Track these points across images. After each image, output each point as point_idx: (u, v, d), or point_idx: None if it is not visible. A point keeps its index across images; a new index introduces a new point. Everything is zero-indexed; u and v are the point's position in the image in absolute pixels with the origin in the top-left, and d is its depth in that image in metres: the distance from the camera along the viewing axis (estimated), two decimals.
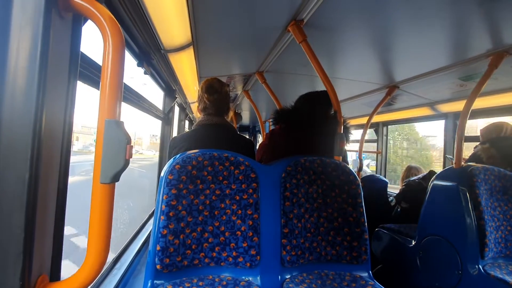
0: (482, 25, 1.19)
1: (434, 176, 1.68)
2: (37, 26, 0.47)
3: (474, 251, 1.39)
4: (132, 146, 0.53)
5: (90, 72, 0.81)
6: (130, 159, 0.52)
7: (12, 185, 0.47)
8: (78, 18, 0.57)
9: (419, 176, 2.31)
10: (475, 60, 1.51)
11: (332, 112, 1.40)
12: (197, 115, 1.60)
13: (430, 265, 1.61)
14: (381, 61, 1.75)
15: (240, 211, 1.11)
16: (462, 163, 1.58)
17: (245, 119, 6.00)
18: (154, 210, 1.08)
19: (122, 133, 0.51)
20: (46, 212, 0.54)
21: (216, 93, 1.37)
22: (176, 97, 2.26)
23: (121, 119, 0.53)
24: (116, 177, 0.51)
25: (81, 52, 0.61)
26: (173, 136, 1.41)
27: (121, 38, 0.51)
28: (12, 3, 0.47)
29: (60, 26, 0.52)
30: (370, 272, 1.18)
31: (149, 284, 0.99)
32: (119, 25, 0.52)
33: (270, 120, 1.50)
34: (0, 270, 0.47)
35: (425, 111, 2.68)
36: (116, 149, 0.51)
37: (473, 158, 1.87)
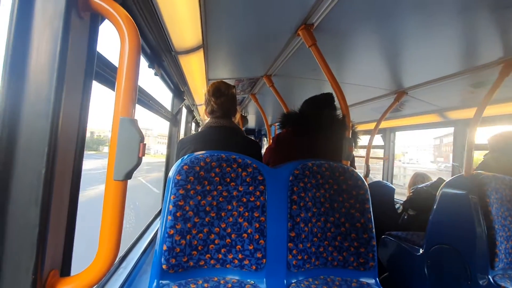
0: (493, 32, 1.17)
1: (443, 184, 1.66)
2: (57, 26, 0.48)
3: (484, 261, 1.36)
4: (145, 144, 0.54)
5: (105, 72, 0.83)
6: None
7: (28, 181, 0.48)
8: (96, 18, 0.59)
9: (427, 183, 2.28)
10: (486, 67, 1.49)
11: (340, 116, 1.40)
12: (205, 118, 1.60)
13: (438, 275, 1.57)
14: (390, 66, 1.74)
15: (247, 213, 1.11)
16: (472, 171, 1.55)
17: (251, 122, 6.01)
18: (160, 209, 1.08)
19: (136, 131, 0.51)
20: (60, 208, 0.54)
21: (223, 96, 1.38)
22: (184, 99, 2.29)
23: (136, 118, 0.53)
24: (129, 175, 0.52)
25: (97, 51, 0.62)
26: (181, 138, 1.42)
27: (137, 38, 0.52)
28: (34, 4, 0.48)
29: (79, 26, 0.53)
30: (377, 279, 1.16)
31: (155, 283, 1.00)
32: (135, 25, 0.53)
33: (277, 123, 1.50)
34: (14, 264, 0.47)
35: (434, 118, 2.65)
36: (129, 146, 0.51)
37: (483, 166, 1.84)
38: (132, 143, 0.51)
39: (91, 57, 0.58)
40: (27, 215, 0.48)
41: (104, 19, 0.57)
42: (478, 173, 1.51)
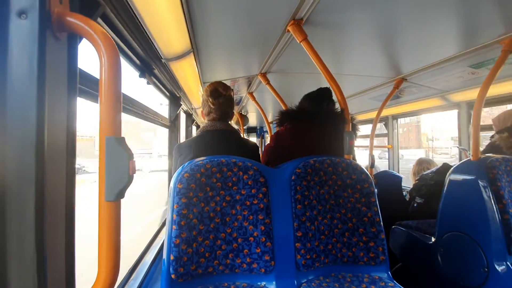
0: (491, 9, 1.13)
1: (451, 170, 1.62)
2: (32, 49, 0.47)
3: (500, 247, 1.32)
4: (135, 161, 0.52)
5: (91, 88, 0.82)
6: None
7: (20, 210, 0.47)
8: (74, 37, 0.57)
9: (432, 169, 2.24)
10: (486, 46, 1.45)
11: (339, 109, 1.37)
12: (201, 119, 1.59)
13: (453, 263, 1.54)
14: (386, 54, 1.70)
15: (251, 217, 1.10)
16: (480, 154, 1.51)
17: (252, 120, 6.00)
18: (166, 219, 1.08)
19: (123, 150, 0.50)
20: (56, 233, 0.53)
21: (221, 97, 1.36)
22: (181, 104, 2.27)
23: (122, 135, 0.52)
24: (121, 194, 0.51)
25: (80, 69, 0.61)
26: (178, 144, 1.41)
27: (116, 54, 0.51)
28: (7, 28, 0.47)
29: (56, 46, 0.52)
30: (389, 272, 1.14)
31: None
32: (113, 41, 0.51)
33: (274, 121, 1.48)
34: None
35: (436, 102, 2.60)
36: (119, 165, 0.50)
37: (490, 148, 1.79)
38: (121, 162, 0.50)
39: (72, 76, 0.57)
40: (23, 245, 0.47)
41: (83, 38, 0.56)
42: (487, 157, 1.47)
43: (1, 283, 0.47)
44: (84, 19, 0.51)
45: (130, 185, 0.52)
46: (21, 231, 0.47)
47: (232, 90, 1.43)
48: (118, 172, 0.50)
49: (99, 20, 0.82)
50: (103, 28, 0.52)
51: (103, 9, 0.77)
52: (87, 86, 0.79)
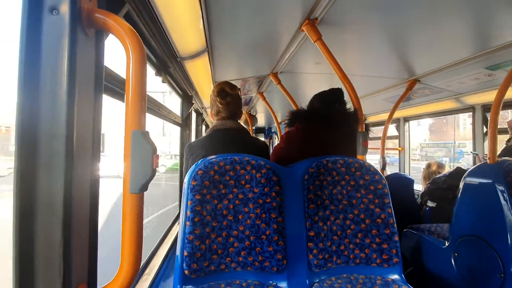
0: (508, 10, 1.10)
1: (466, 173, 1.58)
2: (63, 45, 0.49)
3: None
4: (158, 155, 0.54)
5: (114, 85, 0.84)
6: None
7: (48, 204, 0.49)
8: (101, 34, 0.59)
9: (445, 173, 2.19)
10: (504, 47, 1.42)
11: (352, 109, 1.36)
12: (211, 119, 1.61)
13: (467, 268, 1.51)
14: (399, 55, 1.68)
15: (264, 215, 1.10)
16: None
17: (261, 121, 6.00)
18: (178, 214, 1.09)
19: (148, 143, 0.52)
20: (81, 226, 0.55)
21: (228, 96, 1.37)
22: (193, 103, 2.30)
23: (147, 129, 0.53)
24: (144, 187, 0.52)
25: (105, 65, 0.63)
26: (189, 143, 1.42)
27: (142, 50, 0.52)
28: (40, 24, 0.49)
29: (85, 42, 0.53)
30: (403, 275, 1.13)
31: None
32: (139, 38, 0.53)
33: (285, 121, 1.48)
34: (44, 282, 0.49)
35: (450, 104, 2.55)
36: (143, 159, 0.52)
37: (507, 152, 1.74)
38: (145, 156, 0.52)
39: (99, 72, 0.58)
40: (52, 237, 0.49)
41: (109, 34, 0.58)
42: (504, 160, 1.43)
43: (29, 274, 0.49)
44: (112, 15, 0.52)
45: (153, 178, 0.53)
46: (49, 224, 0.49)
47: (239, 89, 1.43)
48: (143, 165, 0.52)
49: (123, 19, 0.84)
50: None
51: (127, 7, 0.79)
52: (111, 82, 0.81)
